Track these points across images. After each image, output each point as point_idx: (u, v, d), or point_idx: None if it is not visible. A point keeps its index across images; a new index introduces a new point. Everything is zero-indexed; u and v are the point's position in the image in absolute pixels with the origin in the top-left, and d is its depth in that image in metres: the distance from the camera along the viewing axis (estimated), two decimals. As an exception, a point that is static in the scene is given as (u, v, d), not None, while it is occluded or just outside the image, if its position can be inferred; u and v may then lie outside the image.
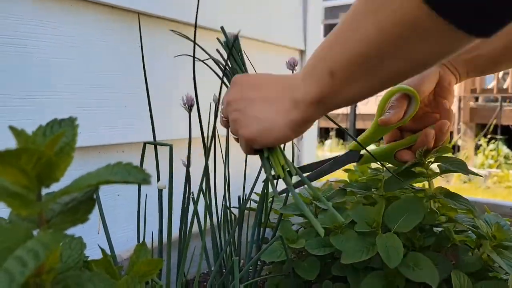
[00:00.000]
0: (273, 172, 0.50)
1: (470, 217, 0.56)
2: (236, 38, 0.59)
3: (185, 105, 0.60)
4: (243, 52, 0.60)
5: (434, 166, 0.60)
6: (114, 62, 0.75)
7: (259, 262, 0.79)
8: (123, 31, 0.76)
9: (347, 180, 0.81)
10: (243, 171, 0.77)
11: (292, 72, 0.70)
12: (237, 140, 0.54)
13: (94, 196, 0.30)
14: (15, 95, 0.62)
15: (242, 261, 0.92)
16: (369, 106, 4.42)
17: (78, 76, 0.70)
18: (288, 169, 0.50)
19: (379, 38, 0.37)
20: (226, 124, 0.55)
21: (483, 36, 0.34)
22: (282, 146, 0.54)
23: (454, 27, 0.33)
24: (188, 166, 0.63)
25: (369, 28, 0.37)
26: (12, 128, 0.26)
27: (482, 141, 3.74)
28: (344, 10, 6.80)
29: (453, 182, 2.56)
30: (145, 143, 0.63)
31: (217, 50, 0.62)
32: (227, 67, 0.58)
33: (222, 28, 0.60)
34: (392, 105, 0.58)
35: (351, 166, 0.98)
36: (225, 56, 0.59)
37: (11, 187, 0.27)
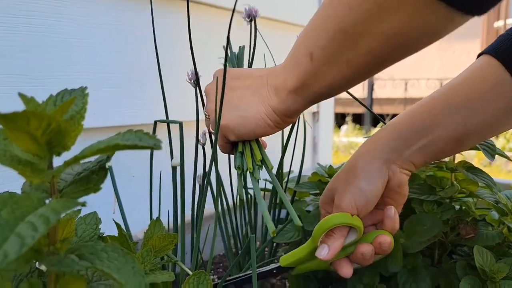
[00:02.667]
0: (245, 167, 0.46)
1: (491, 193, 0.54)
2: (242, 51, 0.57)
3: (190, 80, 0.59)
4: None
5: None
6: (129, 43, 0.75)
7: (274, 243, 0.78)
8: (138, 10, 0.75)
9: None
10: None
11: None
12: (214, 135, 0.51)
13: (107, 166, 0.29)
14: (30, 76, 0.62)
15: (257, 242, 0.92)
16: (386, 89, 4.36)
17: (92, 57, 0.70)
18: (260, 164, 0.46)
19: (351, 12, 0.36)
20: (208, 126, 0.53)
21: (477, 14, 0.33)
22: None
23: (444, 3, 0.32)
24: (203, 143, 0.62)
25: (344, 4, 0.37)
26: (21, 95, 0.26)
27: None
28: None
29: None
30: (155, 121, 0.63)
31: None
32: None
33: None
34: (329, 235, 0.47)
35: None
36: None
37: (23, 155, 0.26)
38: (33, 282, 0.28)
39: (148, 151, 0.66)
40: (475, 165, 0.53)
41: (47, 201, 0.26)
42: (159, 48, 0.65)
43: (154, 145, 0.26)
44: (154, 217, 0.64)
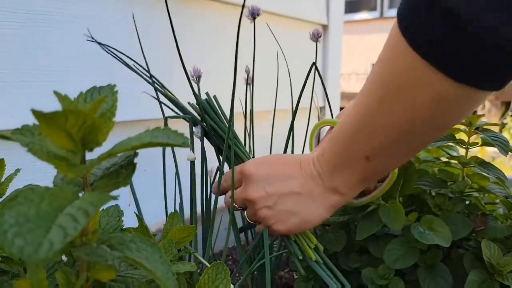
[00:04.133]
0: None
1: (501, 187, 0.55)
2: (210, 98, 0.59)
3: (192, 77, 0.60)
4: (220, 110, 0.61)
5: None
6: (132, 39, 0.76)
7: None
8: (140, 7, 0.76)
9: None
10: (269, 145, 0.78)
11: (316, 44, 0.69)
12: (248, 216, 0.54)
13: (135, 161, 0.31)
14: (32, 71, 0.63)
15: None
16: (351, 84, 4.34)
17: (97, 53, 0.71)
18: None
19: (408, 119, 0.38)
20: (235, 208, 0.55)
21: (501, 88, 0.36)
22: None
23: (476, 89, 0.35)
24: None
25: (398, 112, 0.39)
26: (56, 93, 0.27)
27: (508, 120, 3.64)
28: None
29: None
30: (166, 118, 0.64)
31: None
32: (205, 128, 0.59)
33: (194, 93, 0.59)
34: None
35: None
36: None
37: (58, 151, 0.28)
38: (66, 270, 0.29)
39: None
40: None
41: (80, 194, 0.28)
42: (167, 44, 0.65)
43: (183, 143, 0.27)
44: (158, 211, 0.66)
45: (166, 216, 0.60)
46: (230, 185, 0.55)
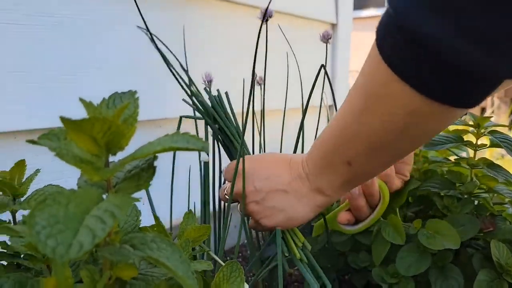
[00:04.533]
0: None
1: (509, 188, 0.56)
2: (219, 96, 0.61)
3: (204, 82, 0.62)
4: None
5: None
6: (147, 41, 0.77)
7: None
8: (159, 10, 0.77)
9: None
10: (280, 141, 0.79)
11: (326, 45, 0.69)
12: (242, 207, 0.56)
13: (155, 164, 0.32)
14: (50, 73, 0.64)
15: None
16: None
17: (114, 55, 0.72)
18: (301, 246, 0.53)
19: (386, 129, 0.40)
20: (225, 199, 0.57)
21: (474, 106, 0.37)
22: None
23: (448, 106, 0.36)
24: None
25: (376, 122, 0.40)
26: (82, 100, 0.29)
27: (517, 116, 3.61)
28: (372, -18, 6.54)
29: (486, 158, 2.49)
30: (181, 117, 0.65)
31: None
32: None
33: (205, 89, 0.62)
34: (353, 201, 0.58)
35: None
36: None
37: (84, 155, 0.29)
38: (90, 268, 0.31)
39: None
40: (488, 157, 0.56)
41: (104, 196, 0.29)
42: (176, 45, 0.66)
43: (202, 148, 0.29)
44: (176, 209, 0.67)
45: (171, 215, 0.61)
46: (227, 178, 0.57)
